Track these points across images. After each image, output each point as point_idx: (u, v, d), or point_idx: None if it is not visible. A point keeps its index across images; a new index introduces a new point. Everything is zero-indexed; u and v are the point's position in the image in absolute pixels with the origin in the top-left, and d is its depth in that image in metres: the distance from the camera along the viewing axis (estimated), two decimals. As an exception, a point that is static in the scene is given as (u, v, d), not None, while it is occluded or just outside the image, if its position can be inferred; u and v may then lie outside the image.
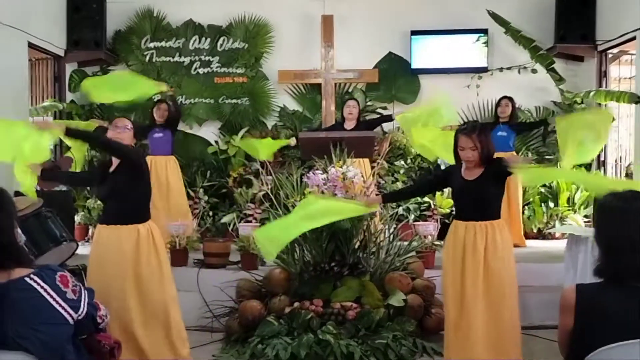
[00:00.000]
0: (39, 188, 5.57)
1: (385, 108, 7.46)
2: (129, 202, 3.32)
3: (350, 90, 7.51)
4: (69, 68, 7.41)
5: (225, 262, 4.99)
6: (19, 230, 1.88)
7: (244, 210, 6.63)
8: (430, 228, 4.98)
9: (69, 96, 7.37)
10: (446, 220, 6.56)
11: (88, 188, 6.52)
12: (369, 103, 7.48)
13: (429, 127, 4.42)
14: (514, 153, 6.14)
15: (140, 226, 3.34)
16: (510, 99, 6.25)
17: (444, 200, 6.72)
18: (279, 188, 5.09)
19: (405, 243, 4.76)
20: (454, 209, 6.53)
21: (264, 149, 4.99)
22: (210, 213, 6.91)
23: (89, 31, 7.22)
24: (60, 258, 4.02)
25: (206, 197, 6.90)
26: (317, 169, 4.62)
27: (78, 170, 5.13)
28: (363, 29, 7.50)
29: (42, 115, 7.12)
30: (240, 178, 6.99)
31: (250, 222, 6.57)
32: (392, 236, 4.72)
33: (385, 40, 7.52)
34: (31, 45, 6.44)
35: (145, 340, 3.22)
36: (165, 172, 5.89)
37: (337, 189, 4.33)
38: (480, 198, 3.36)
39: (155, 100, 6.25)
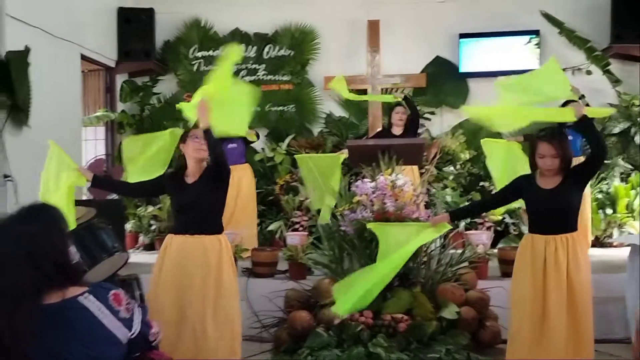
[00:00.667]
0: (91, 196, 5.74)
1: (433, 113, 7.32)
2: (212, 212, 3.31)
3: (396, 93, 7.37)
4: (120, 79, 7.55)
5: (273, 272, 4.95)
6: (73, 248, 1.87)
7: (291, 218, 6.63)
8: (483, 237, 4.82)
9: (120, 106, 7.49)
10: (498, 228, 6.39)
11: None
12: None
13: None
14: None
15: (220, 236, 3.34)
16: (582, 97, 5.85)
17: (495, 207, 6.53)
18: (326, 196, 5.00)
19: (458, 252, 4.60)
20: (506, 216, 6.43)
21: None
22: (258, 221, 6.89)
23: (139, 42, 7.36)
24: (112, 268, 4.04)
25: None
26: (366, 177, 4.51)
27: None
28: (409, 33, 7.38)
29: (95, 125, 7.31)
30: (287, 185, 6.96)
31: (298, 230, 6.59)
32: (443, 245, 4.58)
33: (433, 43, 7.38)
34: (83, 57, 6.59)
35: (213, 352, 3.17)
36: (236, 182, 5.86)
37: (386, 198, 4.23)
38: (561, 208, 3.21)
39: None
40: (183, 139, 3.45)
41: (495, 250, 5.07)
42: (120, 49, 7.34)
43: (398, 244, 3.24)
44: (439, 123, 7.29)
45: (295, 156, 5.34)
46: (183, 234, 3.31)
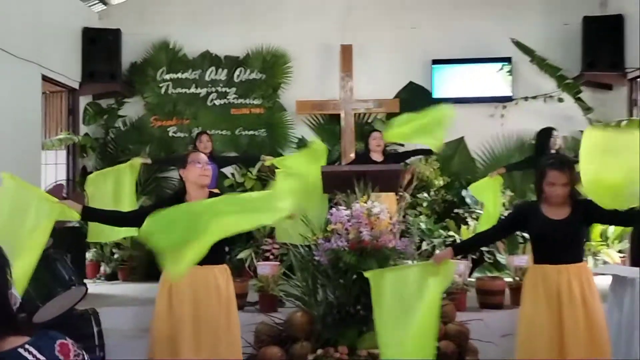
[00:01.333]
0: None
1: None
2: (222, 241, 3.11)
3: (370, 120, 7.29)
4: (84, 100, 7.29)
5: (242, 304, 4.70)
6: (14, 291, 1.62)
7: (261, 246, 6.42)
8: (461, 267, 4.67)
9: (83, 129, 7.21)
10: (473, 257, 6.28)
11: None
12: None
13: None
14: None
15: (225, 265, 3.22)
16: (552, 129, 5.84)
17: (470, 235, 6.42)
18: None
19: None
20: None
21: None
22: (226, 249, 6.63)
23: (105, 63, 7.16)
24: (69, 302, 3.75)
25: None
26: (340, 204, 4.33)
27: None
28: (383, 58, 7.34)
29: (57, 148, 7.01)
30: None
31: (268, 259, 6.37)
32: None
33: (406, 69, 7.34)
34: (45, 78, 6.32)
35: None
36: None
37: (362, 226, 4.03)
38: (574, 239, 3.12)
39: (195, 133, 6.03)
40: (182, 164, 3.23)
41: (473, 280, 4.93)
42: (85, 70, 7.12)
43: (399, 292, 3.02)
44: (411, 147, 7.17)
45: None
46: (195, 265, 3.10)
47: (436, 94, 7.22)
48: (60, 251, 3.76)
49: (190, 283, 3.08)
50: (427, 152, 6.16)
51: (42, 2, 6.18)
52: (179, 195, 3.24)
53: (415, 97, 7.27)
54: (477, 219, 6.59)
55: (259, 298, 4.63)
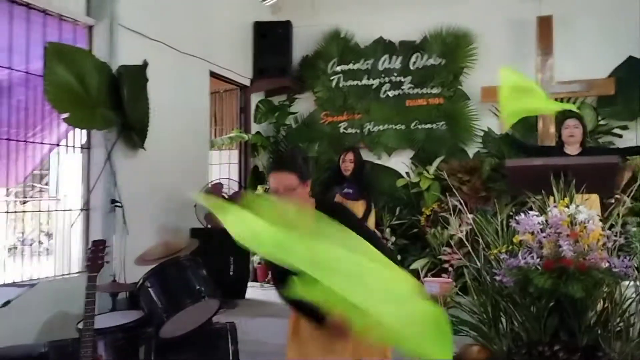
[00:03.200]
0: (207, 224, 5.21)
1: (625, 127, 5.81)
2: None
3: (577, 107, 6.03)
4: (255, 98, 7.14)
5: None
6: None
7: (438, 255, 5.69)
8: None
9: (255, 128, 7.06)
10: None
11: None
12: (602, 122, 5.91)
13: None
14: None
15: None
16: None
17: None
18: (478, 232, 3.92)
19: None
20: None
21: None
22: (399, 257, 5.96)
23: (275, 58, 6.95)
24: (202, 316, 3.36)
25: (394, 238, 6.11)
26: (532, 209, 3.37)
27: None
28: (592, 29, 6.07)
29: (228, 147, 6.95)
30: (434, 216, 6.04)
31: (447, 270, 5.54)
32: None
33: (623, 41, 5.95)
34: (214, 75, 6.22)
35: None
36: None
37: (561, 238, 3.09)
38: None
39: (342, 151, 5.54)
40: None
41: None
42: (255, 66, 6.95)
43: None
44: (634, 140, 5.77)
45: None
46: None
47: (665, 70, 5.71)
48: (194, 257, 3.42)
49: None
50: None
51: (212, -3, 6.08)
52: None
53: (636, 75, 5.85)
54: None
55: (427, 322, 3.80)
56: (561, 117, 4.89)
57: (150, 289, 3.20)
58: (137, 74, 4.73)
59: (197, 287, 3.20)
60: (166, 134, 5.16)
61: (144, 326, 3.20)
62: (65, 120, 4.16)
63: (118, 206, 4.49)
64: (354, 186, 5.22)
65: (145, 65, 4.82)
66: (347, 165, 5.27)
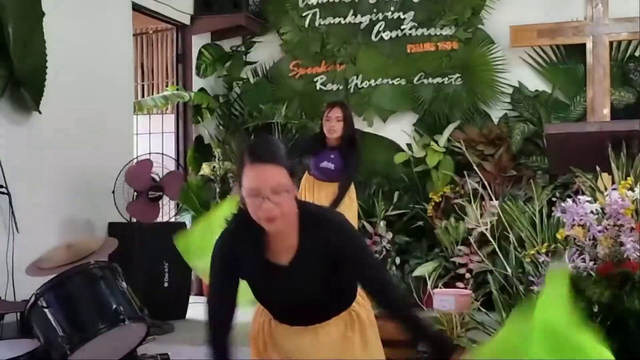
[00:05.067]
0: (132, 218, 5.15)
1: None
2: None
3: (637, 53, 6.16)
4: (199, 42, 7.11)
5: (410, 357, 3.93)
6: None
7: (451, 257, 5.82)
8: None
9: (198, 83, 7.00)
10: None
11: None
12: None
13: None
14: None
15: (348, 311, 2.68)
16: None
17: None
18: (507, 224, 3.98)
19: None
20: None
21: None
22: (398, 260, 5.98)
23: (226, -14, 6.94)
24: (130, 342, 3.29)
25: (391, 235, 6.08)
26: (582, 192, 3.45)
27: None
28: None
29: (162, 109, 6.89)
30: (447, 204, 6.10)
31: (463, 277, 5.57)
32: None
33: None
34: (140, 9, 6.18)
35: None
36: None
37: (623, 233, 3.11)
38: None
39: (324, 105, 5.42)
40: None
41: None
42: (198, -2, 6.96)
43: None
44: None
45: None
46: None
47: None
48: (109, 264, 3.36)
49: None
50: None
51: None
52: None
53: None
54: None
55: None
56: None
57: (46, 310, 3.15)
58: (28, 6, 4.64)
59: (114, 306, 3.16)
60: (71, 91, 5.12)
61: (38, 361, 3.13)
62: None
63: (2, 192, 4.43)
64: (339, 159, 5.07)
65: (37, -6, 4.73)
66: (333, 125, 5.02)
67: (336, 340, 2.42)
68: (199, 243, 3.54)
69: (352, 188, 5.19)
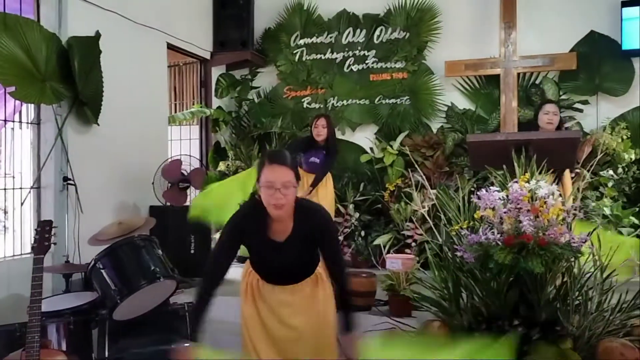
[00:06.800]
0: (167, 202, 5.09)
1: (586, 102, 5.85)
2: (312, 253, 2.63)
3: (538, 81, 6.04)
4: (217, 72, 6.94)
5: (370, 303, 3.91)
6: None
7: (401, 231, 5.66)
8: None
9: (216, 102, 6.88)
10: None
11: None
12: (563, 96, 5.94)
13: None
14: None
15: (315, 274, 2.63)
16: None
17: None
18: (440, 207, 3.89)
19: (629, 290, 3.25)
20: None
21: None
22: (363, 233, 5.92)
23: (236, 30, 6.77)
24: (163, 294, 3.27)
25: (357, 214, 6.02)
26: (493, 185, 3.36)
27: None
28: (555, 3, 6.03)
29: (188, 122, 6.78)
30: (398, 191, 5.99)
31: (410, 246, 5.55)
32: (604, 280, 3.25)
33: (585, 15, 5.95)
34: (173, 47, 6.03)
35: None
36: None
37: (522, 214, 3.06)
38: None
39: (313, 118, 5.33)
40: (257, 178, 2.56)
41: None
42: (216, 38, 6.76)
43: None
44: (594, 115, 5.81)
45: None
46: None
47: (627, 45, 5.74)
48: (149, 237, 3.31)
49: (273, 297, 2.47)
50: None
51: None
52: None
53: (598, 50, 5.88)
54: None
55: (389, 299, 3.80)
56: (540, 101, 4.86)
57: (102, 271, 3.11)
58: (89, 45, 4.53)
59: (152, 268, 3.11)
60: (121, 108, 4.98)
61: (97, 308, 3.10)
62: (11, 94, 3.95)
63: (71, 184, 4.33)
64: (322, 155, 5.05)
65: (97, 36, 4.63)
66: (319, 130, 5.00)
67: (306, 296, 2.47)
68: (217, 200, 3.37)
69: (331, 182, 5.18)
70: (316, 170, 4.97)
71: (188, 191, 5.24)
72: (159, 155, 5.43)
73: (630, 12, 5.75)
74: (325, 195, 5.02)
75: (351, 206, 6.03)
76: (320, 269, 2.58)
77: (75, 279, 3.97)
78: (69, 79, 4.29)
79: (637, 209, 5.29)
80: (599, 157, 5.13)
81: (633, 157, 5.52)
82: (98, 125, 4.64)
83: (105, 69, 4.68)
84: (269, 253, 2.36)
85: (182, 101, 7.16)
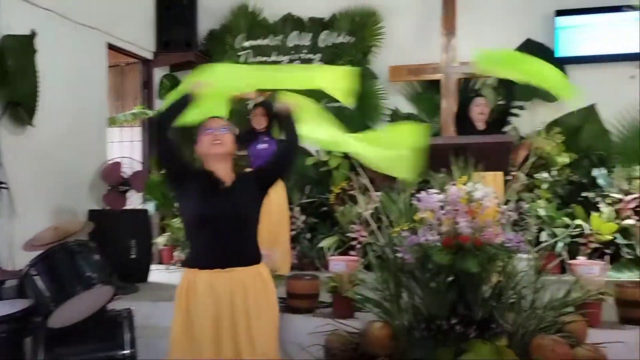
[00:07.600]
0: (106, 206, 4.98)
1: (522, 107, 6.06)
2: (253, 236, 2.63)
3: (477, 87, 6.21)
4: (160, 72, 6.84)
5: (313, 306, 3.94)
6: None
7: (346, 233, 5.70)
8: (595, 270, 3.57)
9: (159, 104, 6.75)
10: (606, 251, 5.13)
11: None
12: (501, 102, 6.11)
13: None
14: None
15: (262, 267, 2.62)
16: None
17: (603, 224, 5.24)
18: (383, 210, 3.96)
19: (559, 289, 3.40)
20: (618, 235, 5.15)
21: None
22: (309, 235, 5.95)
23: (180, 31, 6.66)
24: (98, 302, 3.19)
25: (304, 217, 6.04)
26: (432, 187, 3.41)
27: None
28: (493, 12, 6.23)
29: (131, 123, 6.64)
30: (344, 194, 6.01)
31: (355, 247, 5.60)
32: (538, 280, 3.39)
33: (522, 24, 6.17)
34: (114, 48, 5.91)
35: None
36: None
37: (459, 215, 3.15)
38: None
39: (252, 105, 5.33)
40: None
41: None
42: (159, 38, 6.65)
43: None
44: (530, 119, 6.04)
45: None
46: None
47: (560, 53, 6.00)
48: (85, 242, 3.23)
49: (210, 293, 2.41)
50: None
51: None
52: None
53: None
54: (611, 203, 5.38)
55: (333, 300, 3.84)
56: (466, 96, 5.00)
57: (36, 277, 3.01)
58: (24, 45, 4.42)
59: (88, 274, 3.03)
60: (58, 109, 4.86)
61: (31, 316, 3.00)
62: (-62, 94, 3.80)
63: (3, 187, 4.22)
64: (270, 139, 4.95)
65: (33, 35, 4.51)
66: (259, 120, 4.96)
67: (242, 282, 2.43)
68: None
69: (282, 184, 5.13)
70: (268, 156, 4.94)
71: (128, 194, 5.13)
72: (98, 158, 5.32)
73: (563, 21, 6.03)
74: (277, 200, 5.04)
75: (298, 208, 6.01)
76: (264, 272, 2.57)
77: (8, 286, 3.83)
78: (3, 79, 4.20)
79: (570, 210, 5.52)
80: (533, 160, 5.36)
81: (567, 160, 5.76)
82: (33, 126, 4.52)
83: (41, 69, 4.56)
84: (214, 197, 2.41)
85: (124, 102, 7.00)
